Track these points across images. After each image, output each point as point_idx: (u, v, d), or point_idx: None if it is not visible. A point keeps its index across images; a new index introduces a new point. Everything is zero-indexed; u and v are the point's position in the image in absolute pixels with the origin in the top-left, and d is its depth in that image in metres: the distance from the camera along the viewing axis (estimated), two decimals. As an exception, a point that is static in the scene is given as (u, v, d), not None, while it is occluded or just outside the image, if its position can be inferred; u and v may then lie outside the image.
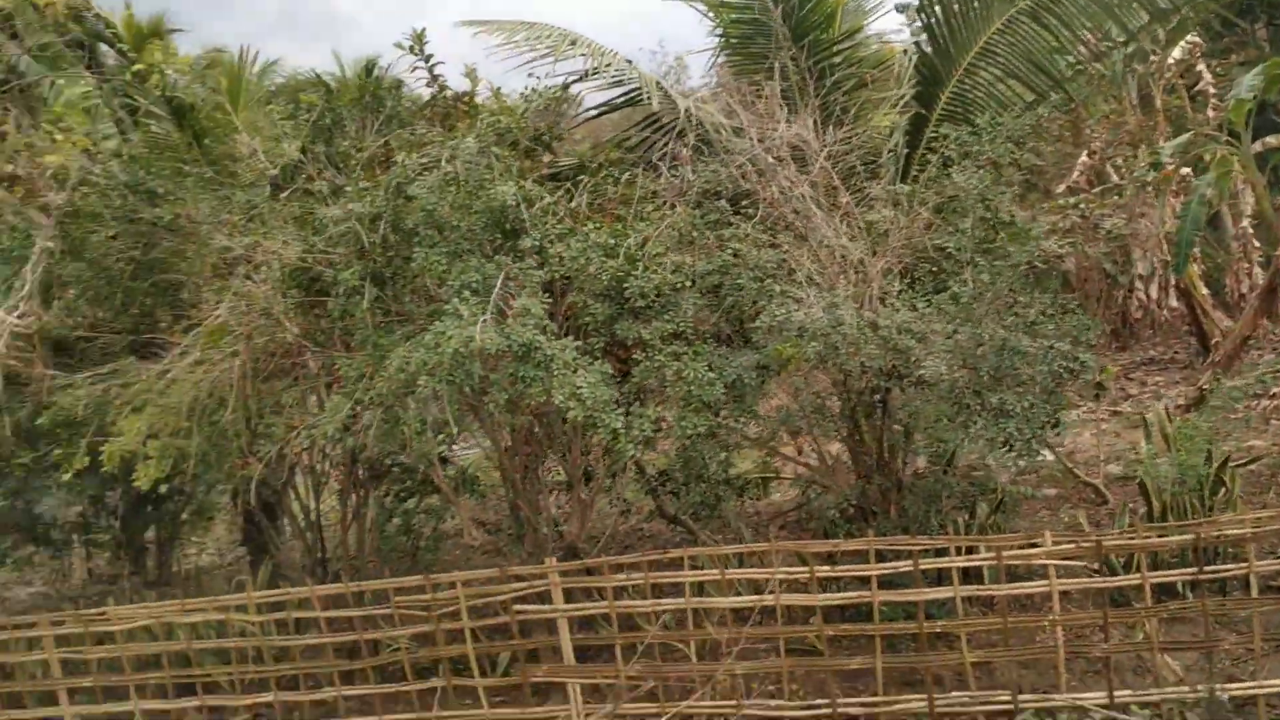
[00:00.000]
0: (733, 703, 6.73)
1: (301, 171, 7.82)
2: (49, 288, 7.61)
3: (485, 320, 6.01)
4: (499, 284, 6.34)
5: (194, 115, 8.50)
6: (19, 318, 7.32)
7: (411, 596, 7.20)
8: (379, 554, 8.28)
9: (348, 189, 6.80)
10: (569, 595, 7.07)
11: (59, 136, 8.89)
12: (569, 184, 7.51)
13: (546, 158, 8.23)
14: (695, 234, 6.78)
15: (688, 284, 6.59)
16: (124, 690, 7.55)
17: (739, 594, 7.08)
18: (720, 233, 6.83)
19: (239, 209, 7.52)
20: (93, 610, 7.65)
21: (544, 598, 7.03)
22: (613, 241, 6.62)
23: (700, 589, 6.99)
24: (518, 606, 7.07)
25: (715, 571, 6.89)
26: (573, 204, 7.23)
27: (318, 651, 7.40)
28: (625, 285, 6.49)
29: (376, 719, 7.21)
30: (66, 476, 7.15)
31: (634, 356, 6.75)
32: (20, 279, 7.55)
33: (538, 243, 6.59)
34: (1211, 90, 14.32)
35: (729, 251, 6.69)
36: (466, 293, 6.24)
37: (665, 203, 7.11)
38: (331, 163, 7.89)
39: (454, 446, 8.60)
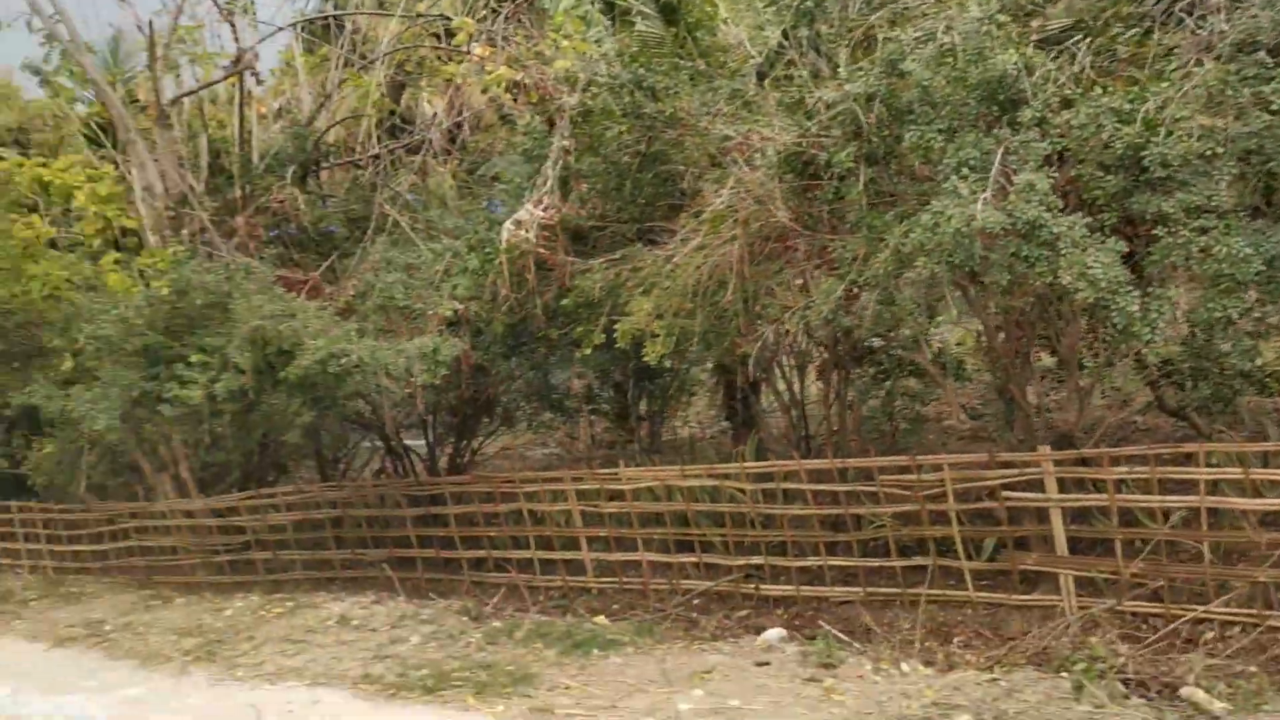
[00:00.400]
0: (1253, 612, 6.16)
1: (783, 57, 7.93)
2: (565, 182, 8.42)
3: (985, 198, 5.79)
4: (997, 159, 6.06)
5: (683, 10, 8.88)
6: (543, 210, 8.20)
7: (895, 476, 7.32)
8: (859, 433, 8.46)
9: (840, 71, 6.79)
10: (1061, 485, 6.80)
11: (563, 43, 9.71)
12: (1067, 47, 6.94)
13: (1035, 21, 7.65)
14: (1229, 93, 5.99)
15: (1218, 150, 5.88)
16: (632, 542, 8.39)
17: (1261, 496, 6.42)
18: (1259, 90, 5.97)
19: (726, 99, 7.80)
20: (606, 470, 8.56)
21: (1034, 486, 6.83)
22: (1128, 106, 6.04)
23: (1214, 488, 6.41)
24: (1006, 493, 6.93)
25: (1236, 470, 6.28)
26: (1075, 68, 6.67)
27: (803, 521, 7.77)
28: (1142, 154, 5.91)
29: (860, 589, 7.49)
30: (586, 351, 8.01)
31: (1144, 233, 6.19)
32: (541, 175, 8.43)
33: (1039, 113, 6.18)
34: None
35: (1271, 110, 5.85)
36: (965, 170, 6.03)
37: (1188, 60, 6.34)
38: (813, 46, 7.91)
39: (933, 330, 8.50)
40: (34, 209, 11.36)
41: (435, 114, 11.26)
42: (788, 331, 6.79)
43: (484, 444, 11.46)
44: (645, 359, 7.50)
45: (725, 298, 7.04)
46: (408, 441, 10.75)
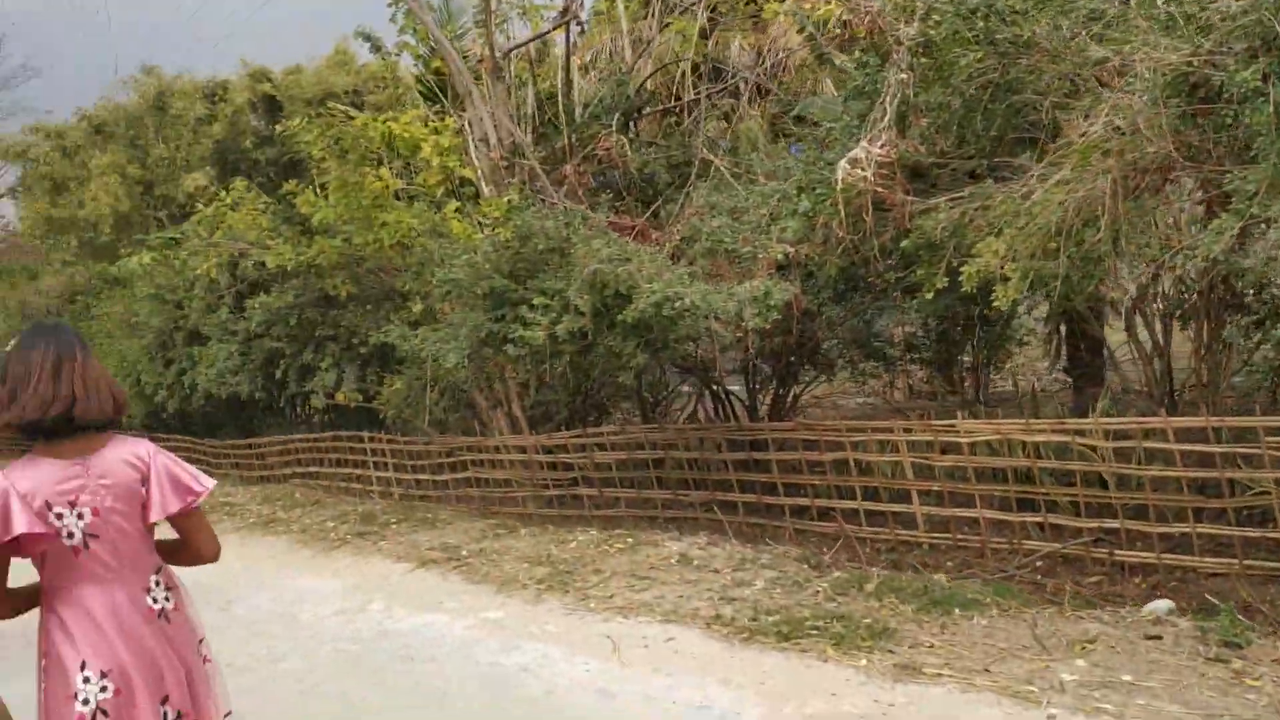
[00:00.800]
0: None
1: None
2: (903, 117, 8.00)
3: None
4: None
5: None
6: (880, 148, 7.85)
7: (1286, 437, 6.50)
8: (1233, 389, 7.60)
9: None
10: None
11: (895, -29, 9.20)
12: None
13: None
14: None
15: None
16: (967, 497, 7.99)
17: None
18: None
19: (1083, 20, 7.10)
20: (941, 422, 8.18)
21: None
22: None
23: None
24: None
25: None
26: None
27: (1165, 484, 7.10)
28: None
29: (1235, 561, 6.76)
30: (928, 296, 7.63)
31: None
32: (878, 110, 8.06)
33: None
34: None
35: None
36: None
37: None
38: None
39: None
40: (379, 163, 12.22)
41: (760, 54, 11.09)
42: (1172, 270, 6.12)
43: (805, 390, 11.31)
44: (995, 303, 7.03)
45: (1094, 237, 6.45)
46: (727, 386, 10.80)
